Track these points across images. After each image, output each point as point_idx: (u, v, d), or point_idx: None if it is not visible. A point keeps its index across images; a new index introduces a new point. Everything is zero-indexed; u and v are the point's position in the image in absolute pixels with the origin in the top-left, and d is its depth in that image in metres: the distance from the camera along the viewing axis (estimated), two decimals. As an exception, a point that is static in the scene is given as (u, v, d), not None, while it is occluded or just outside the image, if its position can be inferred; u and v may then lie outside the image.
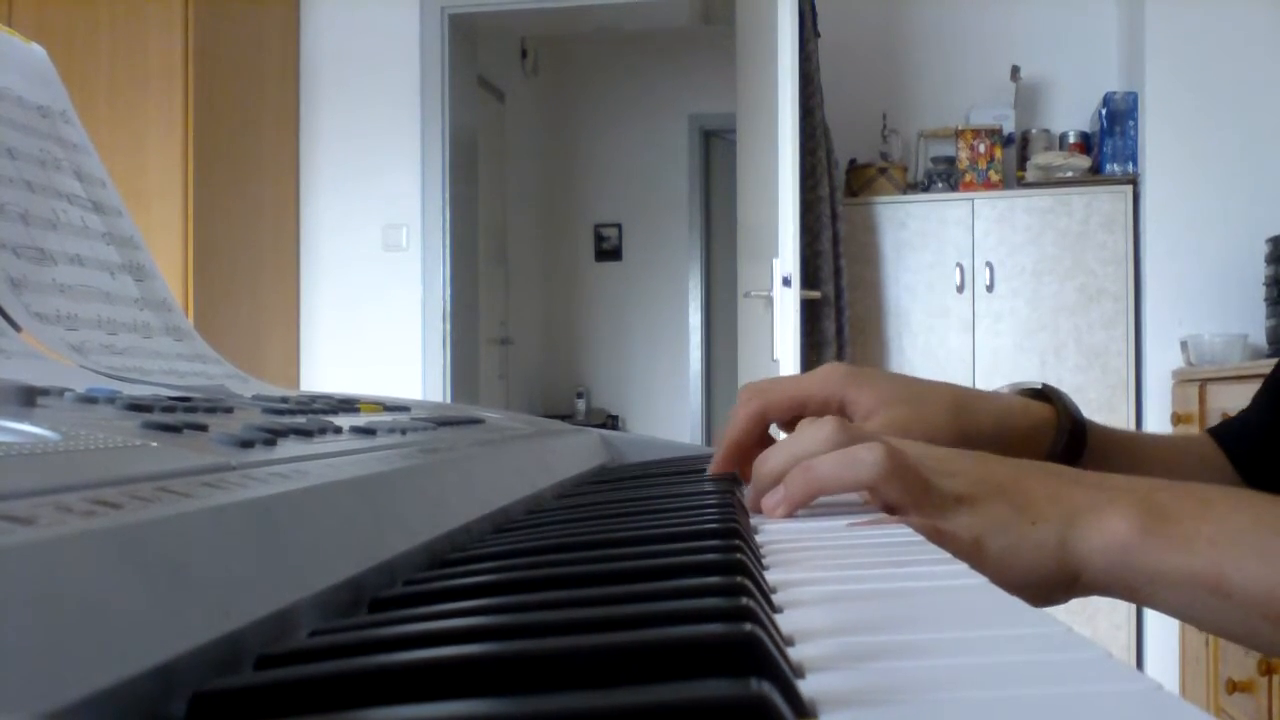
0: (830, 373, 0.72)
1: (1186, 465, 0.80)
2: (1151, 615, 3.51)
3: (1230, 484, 0.79)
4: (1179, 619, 0.57)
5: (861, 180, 3.90)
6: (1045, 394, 0.74)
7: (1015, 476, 0.57)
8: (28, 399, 0.45)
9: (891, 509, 0.56)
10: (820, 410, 0.69)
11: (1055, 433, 0.72)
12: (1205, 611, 0.53)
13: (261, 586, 0.29)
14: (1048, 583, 0.54)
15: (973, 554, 0.53)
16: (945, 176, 3.89)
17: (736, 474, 0.72)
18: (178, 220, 3.52)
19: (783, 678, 0.23)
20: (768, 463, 0.59)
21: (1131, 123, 3.69)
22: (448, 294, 4.19)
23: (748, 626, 0.24)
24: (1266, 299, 3.23)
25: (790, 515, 0.57)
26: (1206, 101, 3.58)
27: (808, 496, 0.57)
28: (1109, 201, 3.66)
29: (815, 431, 0.58)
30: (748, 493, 0.61)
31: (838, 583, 0.39)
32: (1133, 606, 3.52)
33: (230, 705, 0.24)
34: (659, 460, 0.94)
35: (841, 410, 0.70)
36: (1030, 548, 0.54)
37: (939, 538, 0.53)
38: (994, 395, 0.74)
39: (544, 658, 0.24)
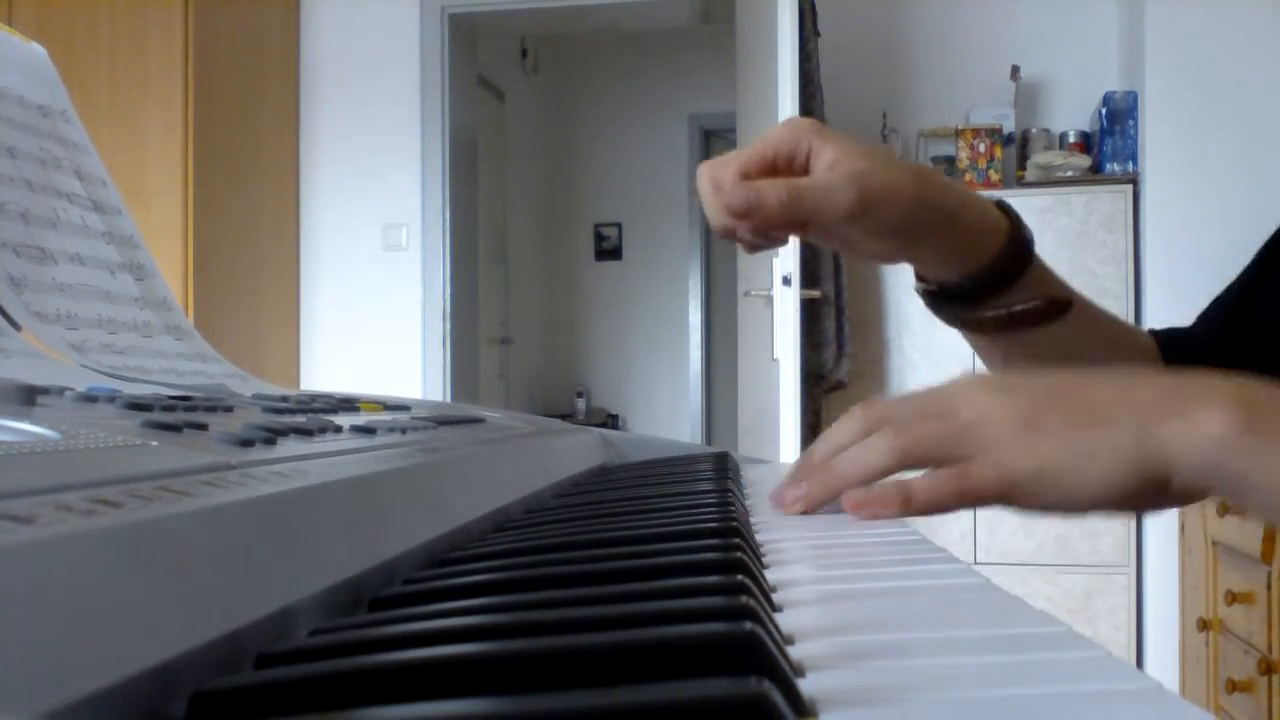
0: (796, 124, 0.69)
1: (1125, 342, 0.80)
2: (1151, 615, 3.51)
3: None
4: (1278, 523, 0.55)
5: (861, 180, 3.90)
6: (1000, 206, 0.74)
7: (1079, 383, 0.54)
8: (28, 398, 0.45)
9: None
10: (788, 161, 0.67)
11: (1006, 241, 0.71)
12: None
13: (261, 585, 0.29)
14: (1131, 491, 0.51)
15: (1037, 480, 0.51)
16: (945, 176, 3.89)
17: (735, 471, 0.71)
18: (178, 219, 3.52)
19: (783, 677, 0.23)
20: (810, 458, 0.58)
21: (1131, 122, 3.69)
22: (448, 294, 4.19)
23: (748, 625, 0.24)
24: (1266, 299, 3.23)
25: (810, 512, 0.56)
26: (1206, 101, 3.58)
27: (827, 493, 0.56)
28: (1109, 201, 3.66)
29: (844, 423, 0.57)
30: (777, 490, 0.60)
31: (838, 582, 0.39)
32: (1133, 607, 3.52)
33: (230, 704, 0.24)
34: (659, 459, 0.94)
35: (807, 160, 0.67)
36: (1104, 456, 0.51)
37: (992, 479, 0.51)
38: (955, 182, 0.73)
39: (544, 657, 0.24)
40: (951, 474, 0.52)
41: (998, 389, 0.54)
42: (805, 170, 0.67)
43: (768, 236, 0.69)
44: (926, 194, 0.68)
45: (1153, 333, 0.82)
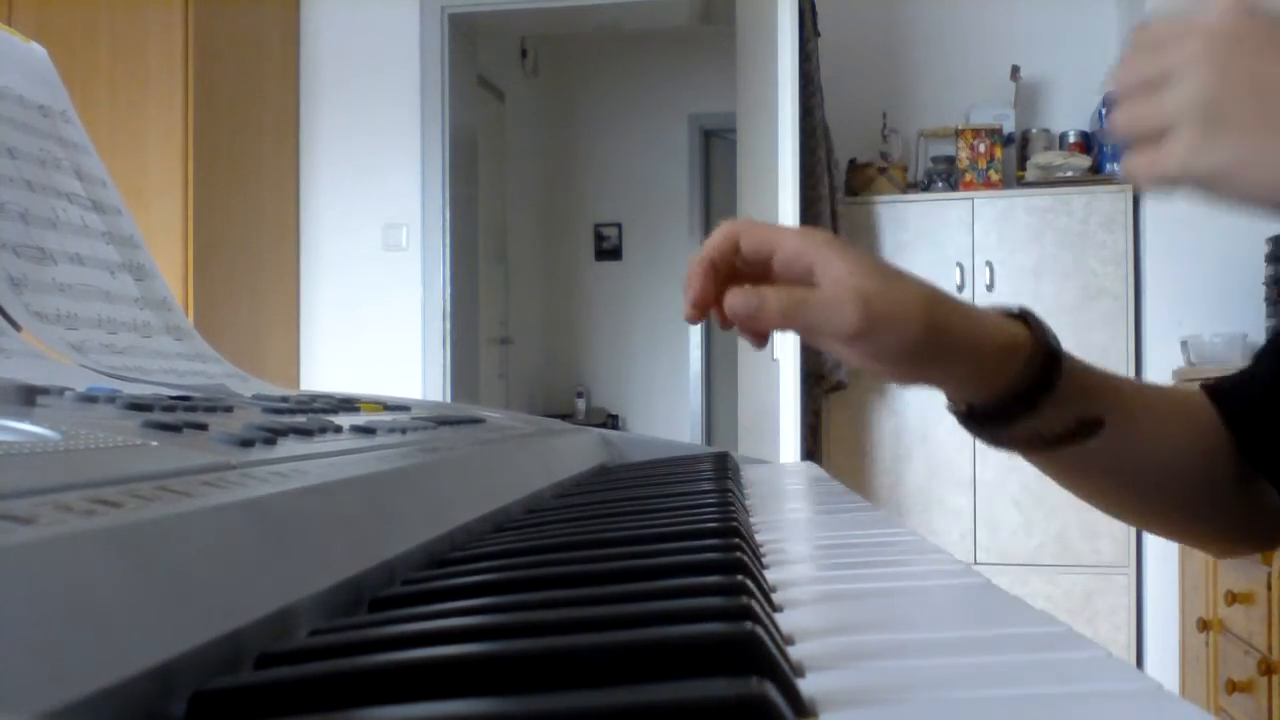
0: (810, 232, 0.66)
1: (1172, 416, 0.76)
2: (1151, 615, 3.51)
3: (1218, 442, 0.75)
4: None
5: (861, 180, 3.90)
6: (1023, 317, 0.69)
7: None
8: (28, 398, 0.45)
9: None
10: (786, 262, 0.64)
11: (1029, 356, 0.66)
12: None
13: (262, 586, 0.29)
14: None
15: (1205, 179, 0.53)
16: (945, 176, 3.89)
17: (735, 471, 0.71)
18: (178, 220, 3.52)
19: (783, 677, 0.23)
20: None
21: (1131, 122, 3.69)
22: (448, 294, 4.19)
23: (748, 625, 0.24)
24: (1266, 299, 3.24)
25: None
26: (1206, 101, 3.58)
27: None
28: (1109, 201, 3.66)
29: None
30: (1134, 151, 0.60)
31: (837, 582, 0.39)
32: (1133, 607, 3.52)
33: (230, 704, 0.24)
34: (659, 460, 0.94)
35: (809, 272, 0.64)
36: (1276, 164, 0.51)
37: (1159, 173, 0.55)
38: (970, 304, 0.68)
39: (544, 657, 0.24)
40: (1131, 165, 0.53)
41: (1218, 52, 0.53)
42: (809, 273, 0.64)
43: (756, 335, 0.66)
44: (937, 318, 0.64)
45: (1204, 388, 0.78)
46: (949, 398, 0.71)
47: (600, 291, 6.91)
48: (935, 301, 0.65)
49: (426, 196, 4.16)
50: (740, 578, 0.32)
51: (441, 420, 0.69)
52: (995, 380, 0.67)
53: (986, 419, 0.69)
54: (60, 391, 0.51)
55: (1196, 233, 3.58)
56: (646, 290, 6.84)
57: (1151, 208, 3.62)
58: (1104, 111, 3.72)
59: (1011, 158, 3.91)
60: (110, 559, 0.23)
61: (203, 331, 0.90)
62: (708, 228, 6.83)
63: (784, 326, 0.63)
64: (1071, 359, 0.68)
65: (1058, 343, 0.68)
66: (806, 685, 0.25)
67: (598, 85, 6.88)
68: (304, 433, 0.47)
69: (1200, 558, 2.90)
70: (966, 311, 0.67)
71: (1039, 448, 0.71)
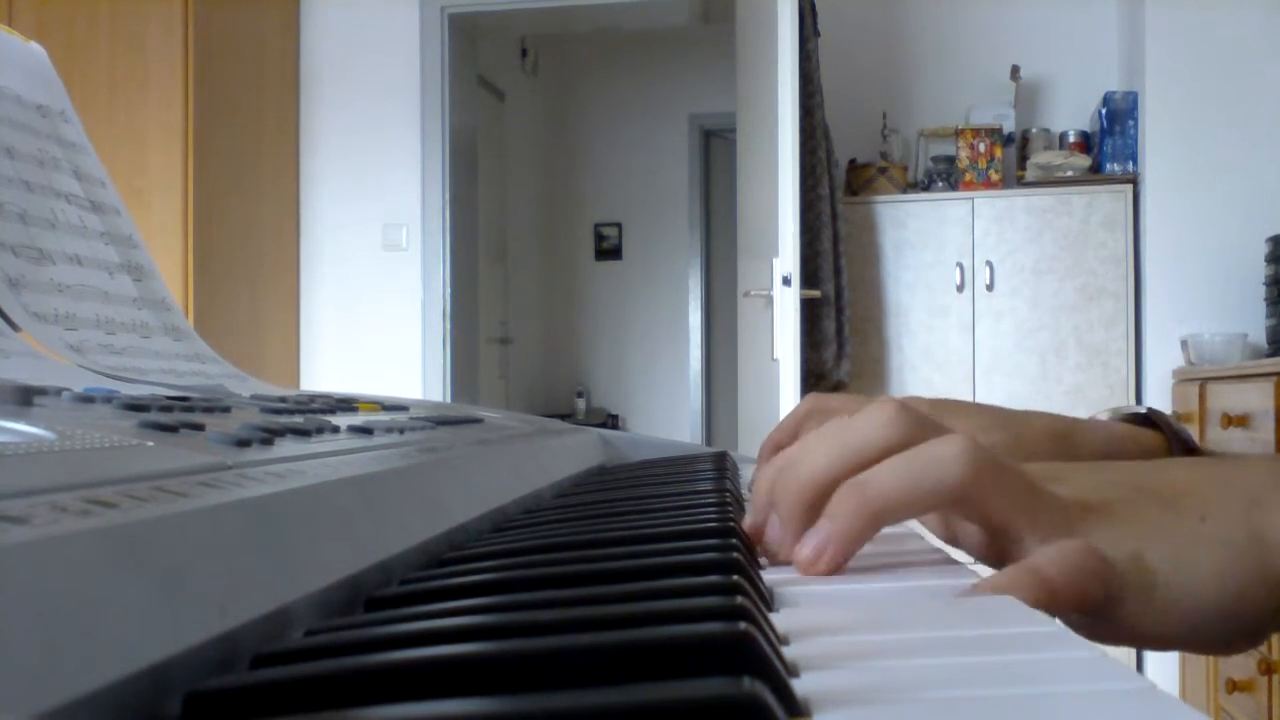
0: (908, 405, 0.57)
1: None
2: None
3: None
4: None
5: (861, 180, 3.90)
6: (1150, 419, 0.65)
7: (1152, 472, 0.44)
8: (25, 398, 0.45)
9: (991, 526, 0.41)
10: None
11: (1166, 455, 0.62)
12: None
13: (257, 585, 0.29)
14: (1251, 594, 0.40)
15: (1133, 576, 0.40)
16: (945, 176, 3.89)
17: (734, 471, 0.71)
18: (178, 220, 3.52)
19: (776, 677, 0.23)
20: (798, 470, 0.42)
21: (1131, 122, 3.69)
22: (448, 294, 4.19)
23: (742, 625, 0.24)
24: (1266, 298, 3.24)
25: (842, 565, 0.40)
26: (1206, 101, 3.58)
27: (867, 531, 0.40)
28: (1109, 201, 3.66)
29: (866, 422, 0.42)
30: (750, 518, 0.46)
31: (834, 582, 0.39)
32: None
33: (225, 704, 0.24)
34: (658, 459, 0.94)
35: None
36: (1212, 549, 0.40)
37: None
38: (1097, 423, 0.65)
39: (539, 657, 0.24)
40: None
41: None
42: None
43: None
44: (1071, 454, 0.61)
45: None
46: None
47: (600, 291, 6.91)
48: (1062, 434, 0.62)
49: (426, 196, 4.16)
50: (736, 578, 0.32)
51: (439, 420, 0.69)
52: None
53: None
54: (58, 392, 0.51)
55: (1196, 232, 3.58)
56: (646, 290, 6.85)
57: (1151, 207, 3.62)
58: (1104, 112, 3.72)
59: (1011, 157, 3.91)
60: (105, 559, 0.23)
61: (203, 331, 0.91)
62: (708, 227, 6.84)
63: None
64: (1215, 453, 0.65)
65: (1193, 439, 0.65)
66: (801, 685, 0.25)
67: (598, 85, 6.89)
68: (301, 433, 0.47)
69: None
70: (1097, 433, 0.64)
71: None
